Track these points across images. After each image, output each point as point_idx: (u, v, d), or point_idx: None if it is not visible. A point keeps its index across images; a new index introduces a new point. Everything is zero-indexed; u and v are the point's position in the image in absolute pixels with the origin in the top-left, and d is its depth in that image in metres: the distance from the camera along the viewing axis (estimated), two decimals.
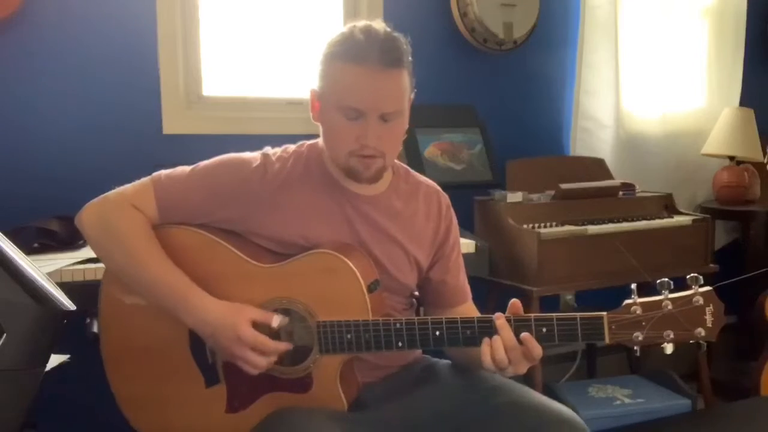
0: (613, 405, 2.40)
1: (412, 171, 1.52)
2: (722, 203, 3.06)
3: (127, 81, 2.21)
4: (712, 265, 2.53)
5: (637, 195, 2.61)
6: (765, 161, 3.01)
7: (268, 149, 1.43)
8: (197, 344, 1.34)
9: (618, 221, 2.42)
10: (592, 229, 2.32)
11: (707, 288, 1.22)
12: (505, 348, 1.23)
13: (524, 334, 1.23)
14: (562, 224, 2.36)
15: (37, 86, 2.11)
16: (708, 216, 2.59)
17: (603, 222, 2.39)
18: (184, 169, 1.39)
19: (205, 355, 1.35)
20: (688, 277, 1.21)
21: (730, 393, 2.68)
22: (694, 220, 2.53)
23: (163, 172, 1.39)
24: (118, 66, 2.20)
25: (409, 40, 1.34)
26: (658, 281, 1.22)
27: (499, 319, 1.24)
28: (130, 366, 1.39)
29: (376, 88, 1.29)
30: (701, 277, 1.21)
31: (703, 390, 2.58)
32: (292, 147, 1.45)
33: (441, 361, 1.50)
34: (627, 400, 2.42)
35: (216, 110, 2.40)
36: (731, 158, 3.05)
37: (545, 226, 2.32)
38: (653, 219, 2.50)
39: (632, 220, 2.45)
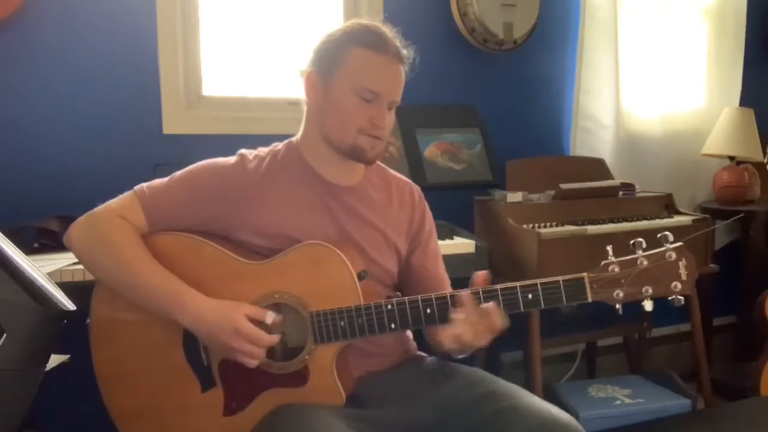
0: (613, 405, 2.40)
1: (381, 165, 1.57)
2: (722, 203, 3.06)
3: (127, 81, 2.21)
4: (712, 265, 2.53)
5: (637, 195, 2.61)
6: (765, 161, 3.01)
7: (242, 150, 1.48)
8: (191, 348, 1.35)
9: (618, 221, 2.42)
10: (592, 229, 2.32)
11: (678, 243, 1.28)
12: (469, 322, 1.27)
13: (490, 304, 1.27)
14: (562, 224, 2.35)
15: (37, 86, 2.11)
16: (708, 216, 2.59)
17: (603, 222, 2.39)
18: (162, 179, 1.44)
19: (199, 358, 1.36)
20: (658, 235, 1.28)
21: (730, 393, 2.68)
22: (694, 220, 2.53)
23: (144, 184, 1.43)
24: (118, 66, 2.20)
25: (412, 44, 1.43)
26: (631, 241, 1.29)
27: (464, 294, 1.29)
28: (124, 381, 1.40)
29: (393, 77, 1.40)
30: (670, 234, 1.28)
31: (703, 390, 2.58)
32: (266, 148, 1.50)
33: (433, 358, 1.52)
34: (627, 400, 2.42)
35: (216, 110, 2.40)
36: (731, 158, 3.05)
37: (545, 226, 2.31)
38: (653, 219, 2.49)
39: (632, 220, 2.45)
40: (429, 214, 1.58)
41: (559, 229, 2.31)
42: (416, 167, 2.29)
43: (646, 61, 3.02)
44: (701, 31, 3.20)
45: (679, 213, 2.60)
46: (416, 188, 1.58)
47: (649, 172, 2.98)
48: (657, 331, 2.94)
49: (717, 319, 3.12)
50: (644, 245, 1.28)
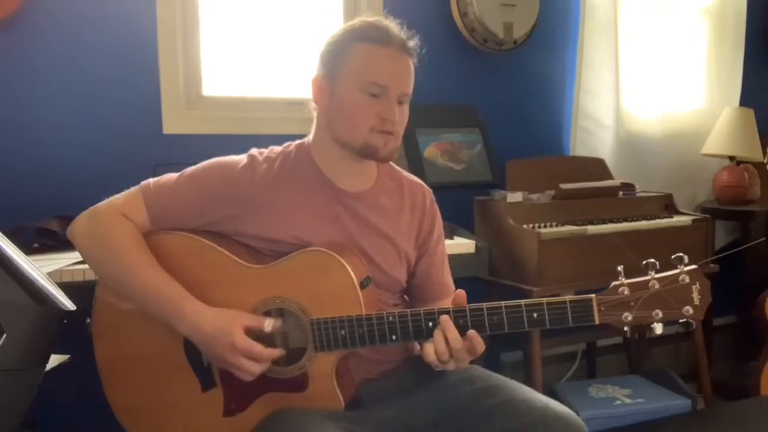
0: (613, 405, 2.39)
1: (395, 166, 1.54)
2: (722, 203, 3.06)
3: (127, 81, 2.21)
4: (712, 265, 2.53)
5: (637, 195, 2.61)
6: (765, 161, 3.01)
7: (254, 150, 1.45)
8: (192, 348, 1.34)
9: (618, 221, 2.42)
10: (592, 229, 2.32)
11: (692, 266, 1.23)
12: (447, 341, 1.26)
13: (470, 332, 1.26)
14: (562, 224, 2.35)
15: (37, 86, 2.11)
16: (708, 216, 2.59)
17: (603, 222, 2.39)
18: (171, 175, 1.41)
19: (200, 359, 1.36)
20: (673, 257, 1.23)
21: (730, 393, 2.68)
22: (694, 220, 2.53)
23: (151, 180, 1.41)
24: (118, 66, 2.20)
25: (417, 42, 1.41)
26: (644, 262, 1.23)
27: (443, 315, 1.27)
28: (125, 374, 1.39)
29: (399, 69, 1.37)
30: (686, 256, 1.22)
31: (703, 390, 2.58)
32: (278, 148, 1.46)
33: None
34: (627, 400, 2.42)
35: (216, 110, 2.40)
36: (731, 158, 3.05)
37: (545, 226, 2.31)
38: (653, 219, 2.49)
39: (632, 220, 2.45)
40: (439, 219, 1.55)
41: (559, 229, 2.31)
42: (416, 167, 2.29)
43: (646, 62, 3.02)
44: (701, 31, 3.20)
45: (679, 213, 2.60)
46: (428, 191, 1.55)
47: (649, 172, 2.98)
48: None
49: (717, 319, 3.12)
50: (657, 266, 1.23)
